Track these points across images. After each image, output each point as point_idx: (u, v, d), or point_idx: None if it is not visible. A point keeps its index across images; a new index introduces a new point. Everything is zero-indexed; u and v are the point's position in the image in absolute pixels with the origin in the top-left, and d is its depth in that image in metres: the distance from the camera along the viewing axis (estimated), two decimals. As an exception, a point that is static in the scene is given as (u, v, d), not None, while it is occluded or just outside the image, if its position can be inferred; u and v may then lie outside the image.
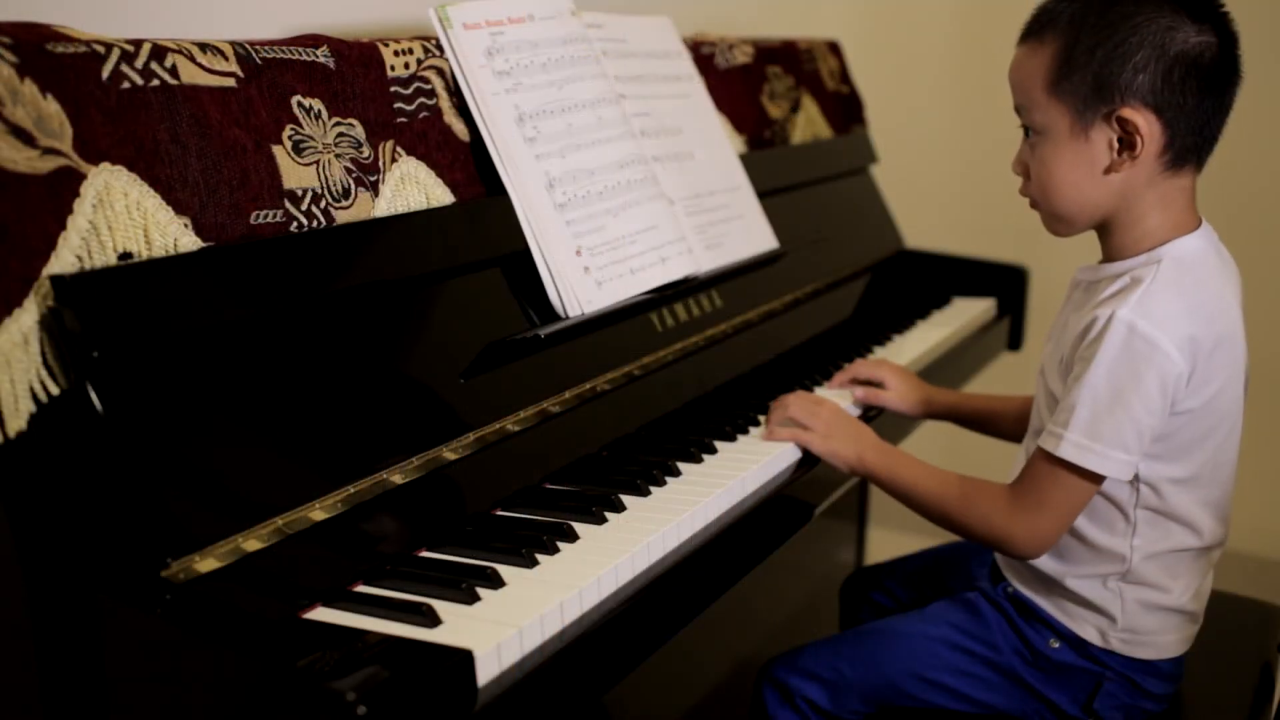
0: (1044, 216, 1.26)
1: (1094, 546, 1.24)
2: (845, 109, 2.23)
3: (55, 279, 0.93)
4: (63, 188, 0.96)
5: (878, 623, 1.39)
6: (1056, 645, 1.28)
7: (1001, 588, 1.34)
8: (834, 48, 2.27)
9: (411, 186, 1.28)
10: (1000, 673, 1.31)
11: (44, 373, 0.92)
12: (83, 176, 0.97)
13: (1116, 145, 1.18)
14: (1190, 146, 1.18)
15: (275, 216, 1.13)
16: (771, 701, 1.37)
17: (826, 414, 1.38)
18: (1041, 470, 1.20)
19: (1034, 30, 1.22)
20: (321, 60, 1.22)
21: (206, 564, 0.93)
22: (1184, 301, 1.16)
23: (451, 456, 1.17)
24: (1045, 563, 1.27)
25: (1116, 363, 1.14)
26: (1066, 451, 1.16)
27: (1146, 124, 1.15)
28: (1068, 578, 1.26)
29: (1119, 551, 1.23)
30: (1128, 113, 1.15)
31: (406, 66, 1.30)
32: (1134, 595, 1.24)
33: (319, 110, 1.20)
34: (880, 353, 1.78)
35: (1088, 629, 1.26)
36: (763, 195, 1.76)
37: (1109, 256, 1.24)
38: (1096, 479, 1.18)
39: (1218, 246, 1.24)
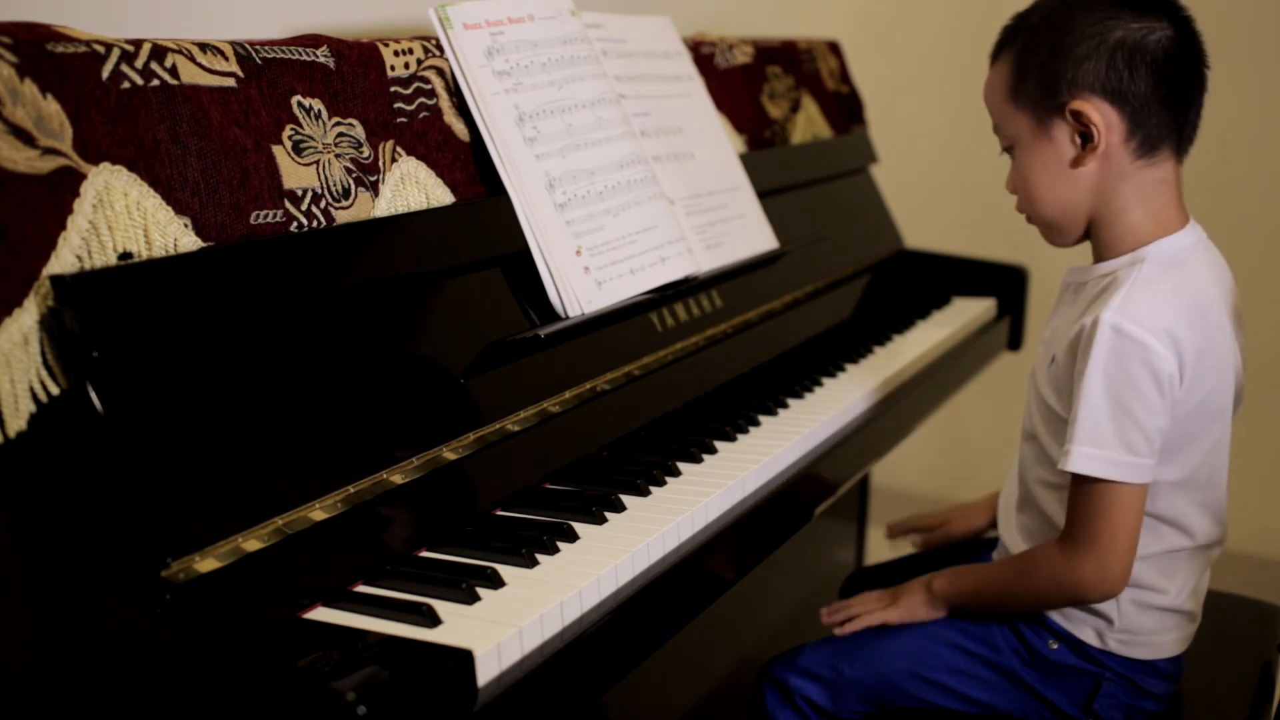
0: (1040, 229, 1.29)
1: None
2: (845, 109, 2.23)
3: (55, 279, 0.93)
4: (63, 188, 0.96)
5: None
6: (1055, 646, 1.28)
7: (1001, 588, 1.34)
8: (834, 48, 2.27)
9: (411, 186, 1.28)
10: (1000, 673, 1.31)
11: (44, 373, 0.92)
12: (83, 176, 0.97)
13: (1078, 139, 1.20)
14: (1160, 134, 1.19)
15: (275, 216, 1.13)
16: (771, 701, 1.37)
17: (879, 593, 1.40)
18: (1076, 504, 1.18)
19: (996, 52, 1.29)
20: (321, 60, 1.22)
21: (206, 564, 0.93)
22: (1168, 300, 1.16)
23: (452, 456, 1.17)
24: None
25: (1109, 367, 1.14)
26: (1081, 466, 1.15)
27: (1100, 113, 1.18)
28: None
29: None
30: (1078, 104, 1.18)
31: (406, 66, 1.30)
32: (1130, 597, 1.24)
33: (319, 110, 1.20)
34: (880, 352, 1.78)
35: (1085, 631, 1.26)
36: (763, 195, 1.76)
37: (1098, 256, 1.25)
38: (1129, 489, 1.16)
39: (1207, 245, 1.24)
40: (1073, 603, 1.24)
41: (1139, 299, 1.15)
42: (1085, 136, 1.19)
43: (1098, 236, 1.24)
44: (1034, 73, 1.21)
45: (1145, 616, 1.24)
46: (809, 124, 2.09)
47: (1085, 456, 1.15)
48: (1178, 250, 1.20)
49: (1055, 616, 1.28)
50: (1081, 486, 1.17)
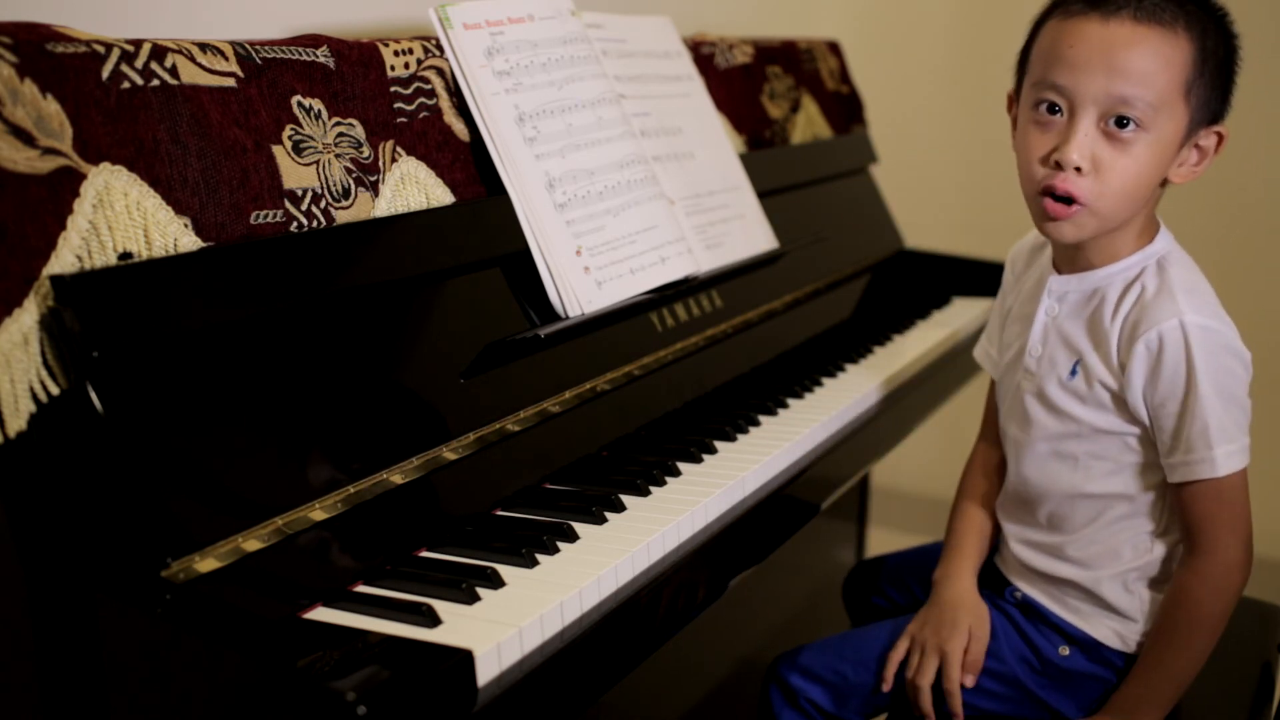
0: (1069, 221, 1.15)
1: (1121, 546, 1.23)
2: (845, 109, 2.23)
3: (55, 279, 0.93)
4: (63, 188, 0.96)
5: (881, 626, 1.38)
6: (1066, 652, 1.26)
7: (1009, 593, 1.33)
8: (834, 48, 2.27)
9: (411, 186, 1.28)
10: (1003, 681, 1.29)
11: (44, 373, 0.92)
12: (83, 176, 0.97)
13: (1195, 159, 1.17)
14: None
15: (275, 216, 1.13)
16: (776, 700, 1.37)
17: None
18: (1204, 504, 1.15)
19: (1158, 15, 1.10)
20: (321, 60, 1.22)
21: (206, 564, 0.93)
22: (1210, 292, 1.17)
23: (451, 456, 1.17)
24: (1068, 570, 1.26)
25: (1208, 365, 1.13)
26: (1231, 466, 1.13)
27: (1221, 139, 1.16)
28: (1093, 581, 1.24)
29: (1144, 546, 1.22)
30: (1223, 129, 1.15)
31: (406, 66, 1.30)
32: (1157, 596, 1.23)
33: (319, 110, 1.20)
34: (880, 353, 1.78)
35: (1104, 631, 1.25)
36: (763, 195, 1.76)
37: (1088, 264, 1.22)
38: (1245, 469, 1.16)
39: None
40: (1236, 596, 1.18)
41: (1197, 294, 1.15)
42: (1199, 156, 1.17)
43: (1098, 241, 1.19)
44: (1210, 75, 1.11)
45: None
46: (809, 124, 2.09)
47: (1228, 456, 1.13)
48: (1173, 247, 1.21)
49: (1071, 618, 1.26)
50: (1212, 483, 1.14)
